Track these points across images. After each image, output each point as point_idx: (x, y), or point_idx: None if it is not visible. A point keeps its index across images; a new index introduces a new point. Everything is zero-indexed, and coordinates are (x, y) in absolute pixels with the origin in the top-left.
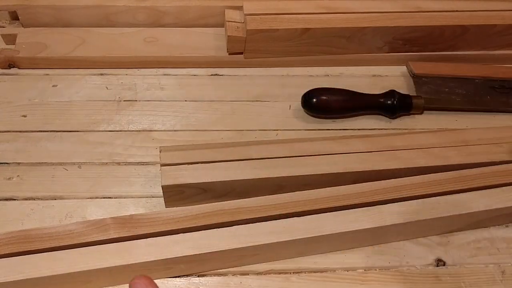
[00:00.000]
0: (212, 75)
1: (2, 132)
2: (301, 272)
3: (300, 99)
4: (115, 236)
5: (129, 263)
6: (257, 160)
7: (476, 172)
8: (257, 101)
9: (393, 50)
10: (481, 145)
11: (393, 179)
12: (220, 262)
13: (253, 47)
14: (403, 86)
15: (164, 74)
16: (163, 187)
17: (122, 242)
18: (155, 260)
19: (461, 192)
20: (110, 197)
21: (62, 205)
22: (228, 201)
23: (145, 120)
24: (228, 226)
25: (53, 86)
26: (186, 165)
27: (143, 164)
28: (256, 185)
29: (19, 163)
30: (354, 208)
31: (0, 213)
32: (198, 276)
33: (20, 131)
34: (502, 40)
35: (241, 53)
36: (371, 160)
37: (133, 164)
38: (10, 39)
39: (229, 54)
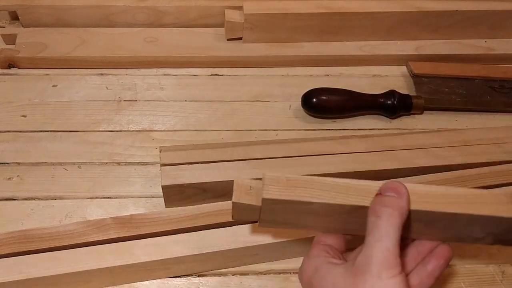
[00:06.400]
0: (212, 75)
1: (2, 132)
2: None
3: (300, 99)
4: (115, 236)
5: (129, 263)
6: (257, 160)
7: (476, 172)
8: (257, 101)
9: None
10: (481, 145)
11: (393, 179)
12: (220, 262)
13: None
14: (403, 86)
15: (164, 74)
16: (163, 187)
17: (122, 242)
18: (155, 260)
19: None
20: (110, 197)
21: (62, 205)
22: (228, 201)
23: (145, 120)
24: (228, 226)
25: (53, 86)
26: (186, 165)
27: (143, 164)
28: None
29: (19, 163)
30: None
31: (0, 213)
32: (198, 276)
33: (20, 131)
34: None
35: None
36: (371, 160)
37: (133, 164)
38: (10, 39)
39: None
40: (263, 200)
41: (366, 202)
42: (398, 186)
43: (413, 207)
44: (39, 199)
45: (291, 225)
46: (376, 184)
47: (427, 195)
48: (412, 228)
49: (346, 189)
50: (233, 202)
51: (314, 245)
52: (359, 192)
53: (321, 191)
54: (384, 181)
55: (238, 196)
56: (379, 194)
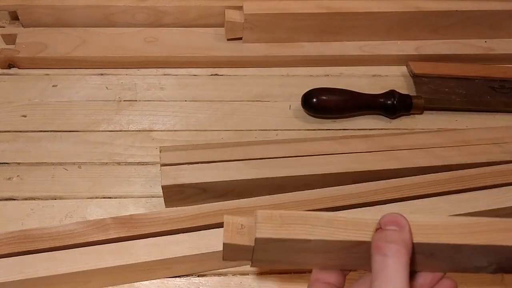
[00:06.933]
0: (212, 75)
1: (2, 132)
2: (301, 272)
3: (300, 99)
4: (115, 236)
5: (129, 263)
6: (257, 160)
7: (476, 172)
8: (257, 101)
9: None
10: (481, 145)
11: (393, 179)
12: (220, 262)
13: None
14: (403, 86)
15: (164, 74)
16: (163, 187)
17: (122, 242)
18: (155, 260)
19: (461, 192)
20: (110, 197)
21: (62, 205)
22: (228, 201)
23: (145, 120)
24: None
25: (53, 86)
26: (186, 165)
27: (143, 164)
28: (256, 185)
29: (19, 163)
30: (354, 208)
31: (0, 213)
32: (198, 276)
33: (20, 131)
34: None
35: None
36: (371, 160)
37: (133, 164)
38: (10, 39)
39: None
40: (257, 239)
41: (366, 237)
42: (398, 218)
43: (415, 239)
44: (39, 199)
45: (286, 263)
46: (375, 217)
47: (427, 226)
48: (413, 261)
49: (344, 224)
50: (224, 243)
51: (313, 284)
52: (358, 227)
53: (318, 227)
54: (383, 214)
55: (230, 237)
56: (379, 228)
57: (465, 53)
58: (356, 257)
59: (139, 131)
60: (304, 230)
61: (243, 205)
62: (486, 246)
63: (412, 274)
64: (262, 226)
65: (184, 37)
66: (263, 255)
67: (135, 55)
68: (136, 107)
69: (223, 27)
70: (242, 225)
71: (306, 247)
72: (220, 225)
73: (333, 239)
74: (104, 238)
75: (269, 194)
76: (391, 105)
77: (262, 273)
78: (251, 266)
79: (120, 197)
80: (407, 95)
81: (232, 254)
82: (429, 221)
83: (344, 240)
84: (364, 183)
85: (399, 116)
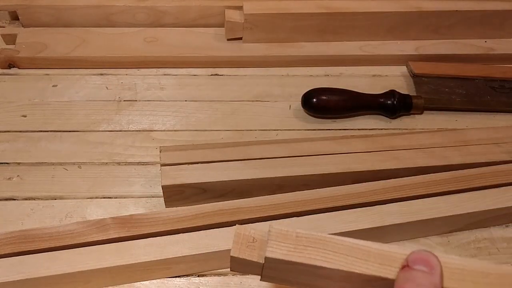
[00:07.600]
0: (212, 75)
1: (2, 132)
2: None
3: (300, 99)
4: (115, 236)
5: (129, 263)
6: (257, 160)
7: (476, 172)
8: (257, 101)
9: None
10: (481, 145)
11: (393, 179)
12: (220, 262)
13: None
14: (403, 86)
15: (164, 74)
16: (163, 187)
17: (122, 242)
18: (155, 260)
19: (461, 192)
20: (110, 197)
21: (62, 205)
22: (228, 201)
23: (145, 120)
24: (228, 226)
25: (53, 86)
26: (186, 165)
27: (143, 164)
28: (256, 185)
29: (19, 163)
30: (354, 208)
31: (0, 213)
32: (198, 276)
33: (20, 131)
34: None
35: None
36: (371, 160)
37: (133, 164)
38: (10, 39)
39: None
40: (266, 258)
41: (390, 274)
42: (430, 258)
43: (446, 285)
44: (39, 199)
45: (298, 284)
46: (402, 252)
47: (462, 271)
48: None
49: (366, 255)
50: (231, 256)
51: None
52: (382, 260)
53: (336, 255)
54: (412, 250)
55: (238, 250)
56: (406, 266)
57: (465, 53)
58: None
59: (139, 131)
60: (320, 255)
61: (243, 205)
62: None
63: None
64: (275, 244)
65: (184, 37)
66: (273, 273)
67: (135, 55)
68: (136, 107)
69: (223, 27)
70: (253, 238)
71: (320, 273)
72: (220, 225)
73: (351, 271)
74: (104, 238)
75: (269, 194)
76: (391, 105)
77: None
78: (260, 280)
79: (120, 197)
80: (407, 95)
81: (240, 267)
82: (464, 265)
83: (364, 274)
84: (364, 183)
85: (399, 116)
